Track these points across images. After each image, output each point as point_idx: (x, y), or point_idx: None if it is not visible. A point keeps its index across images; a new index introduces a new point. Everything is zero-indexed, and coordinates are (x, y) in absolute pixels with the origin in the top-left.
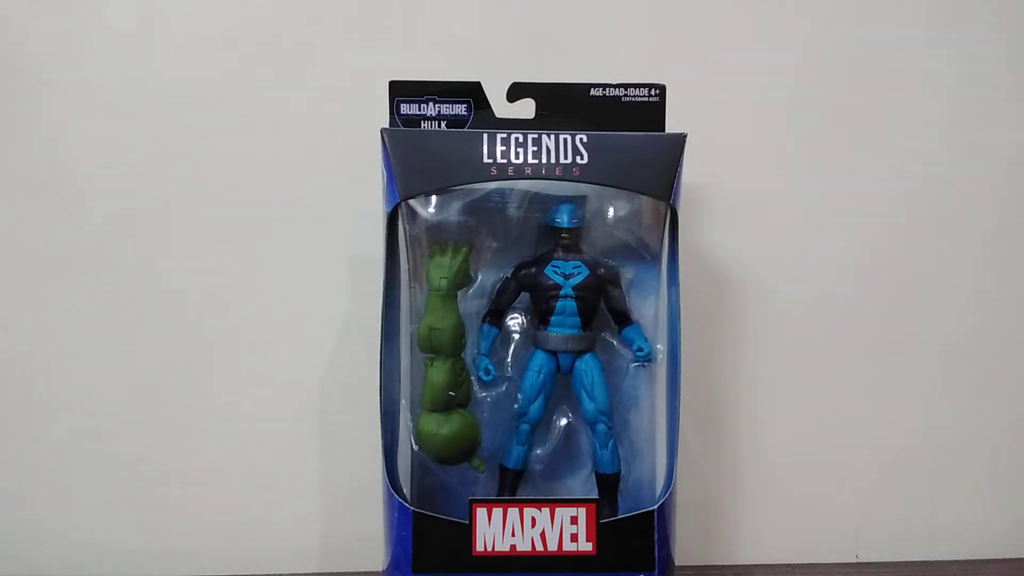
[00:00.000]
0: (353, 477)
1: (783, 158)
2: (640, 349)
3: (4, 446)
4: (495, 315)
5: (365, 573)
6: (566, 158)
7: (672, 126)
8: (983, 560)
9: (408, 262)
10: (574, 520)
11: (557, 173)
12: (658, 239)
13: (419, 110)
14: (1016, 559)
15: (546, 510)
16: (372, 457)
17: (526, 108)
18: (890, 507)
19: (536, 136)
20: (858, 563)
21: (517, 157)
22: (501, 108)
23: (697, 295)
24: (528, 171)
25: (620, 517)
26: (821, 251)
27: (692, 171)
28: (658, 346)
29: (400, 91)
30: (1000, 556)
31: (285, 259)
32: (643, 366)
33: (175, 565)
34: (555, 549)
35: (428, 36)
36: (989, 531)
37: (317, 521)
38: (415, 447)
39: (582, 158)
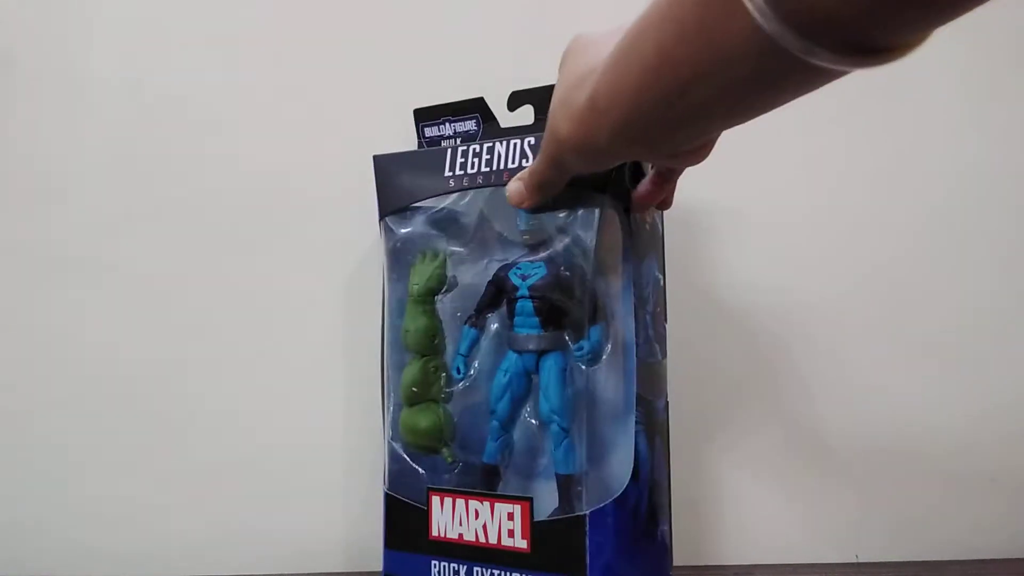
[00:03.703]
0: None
1: (766, 159)
2: (580, 348)
3: (3, 446)
4: (475, 317)
5: (367, 573)
6: (514, 163)
7: None
8: (983, 560)
9: (392, 271)
10: (511, 516)
11: (504, 178)
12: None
13: (439, 131)
14: (1017, 559)
15: (487, 504)
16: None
17: (527, 115)
18: (890, 507)
19: (490, 144)
20: (858, 563)
21: (472, 167)
22: (505, 118)
23: (695, 292)
24: (480, 180)
25: (553, 518)
26: (818, 249)
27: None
28: (608, 345)
29: (423, 117)
30: (1001, 556)
31: (286, 259)
32: (585, 365)
33: (170, 564)
34: (495, 543)
35: (432, 47)
36: (990, 531)
37: (319, 522)
38: (389, 437)
39: (528, 161)
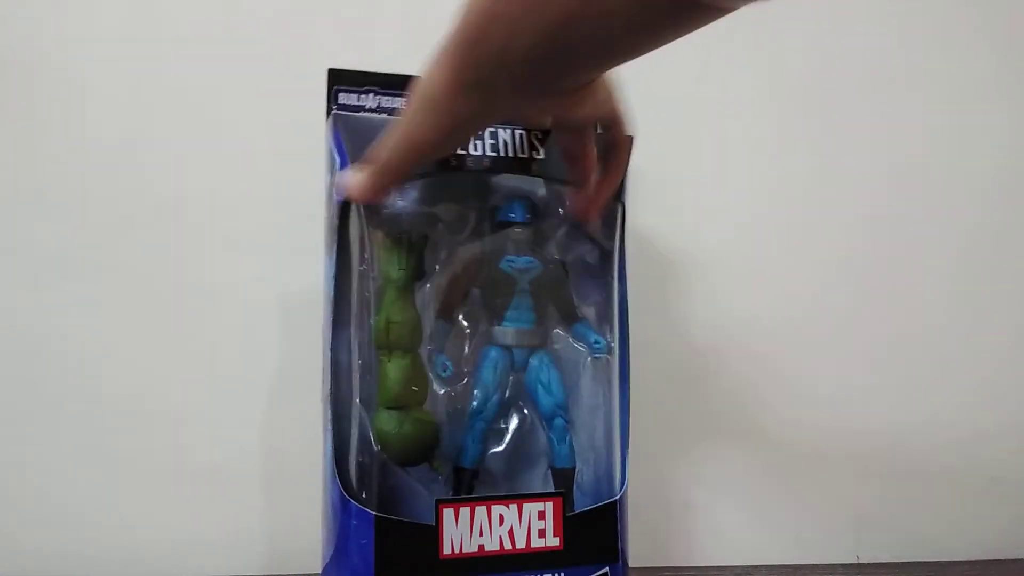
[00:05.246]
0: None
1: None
2: (597, 342)
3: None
4: (446, 311)
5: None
6: (523, 152)
7: None
8: (984, 561)
9: (362, 252)
10: (541, 515)
11: (515, 167)
12: (609, 234)
13: (358, 100)
14: (1017, 560)
15: (514, 506)
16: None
17: None
18: (890, 507)
19: (493, 129)
20: (859, 564)
21: (476, 149)
22: None
23: (693, 295)
24: (487, 163)
25: (584, 510)
26: (808, 248)
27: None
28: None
29: (340, 80)
30: (1001, 557)
31: (276, 262)
32: (599, 359)
33: (155, 567)
34: (523, 546)
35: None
36: (990, 532)
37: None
38: (376, 447)
39: (538, 153)
